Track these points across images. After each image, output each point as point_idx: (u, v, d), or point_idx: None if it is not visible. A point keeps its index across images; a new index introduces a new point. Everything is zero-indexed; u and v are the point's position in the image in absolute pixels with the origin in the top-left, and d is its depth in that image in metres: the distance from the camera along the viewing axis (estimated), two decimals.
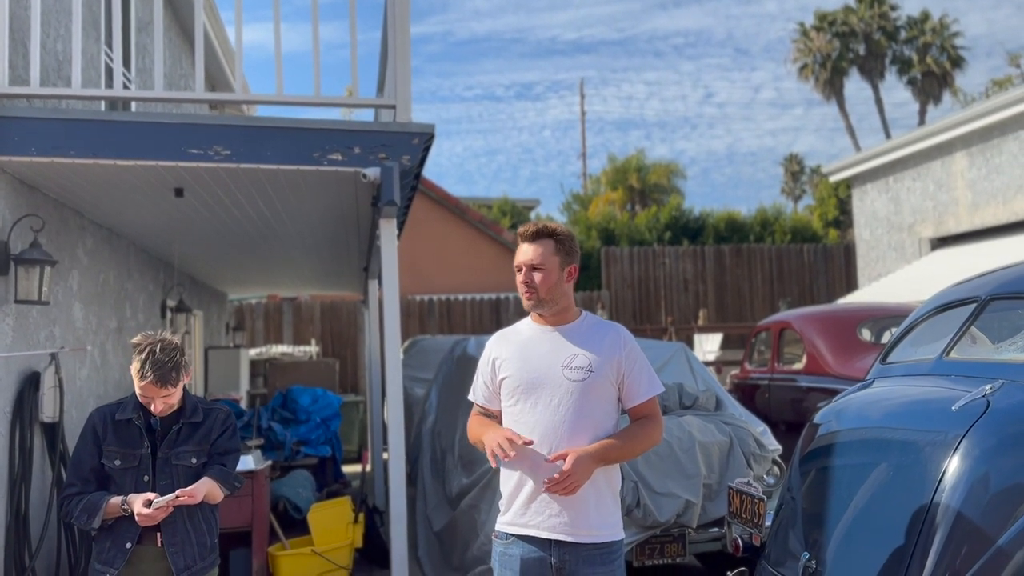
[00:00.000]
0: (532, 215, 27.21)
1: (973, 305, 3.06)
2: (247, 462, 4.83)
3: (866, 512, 2.77)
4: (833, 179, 14.95)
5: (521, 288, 2.69)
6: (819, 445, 3.25)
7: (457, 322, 14.79)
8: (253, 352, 12.98)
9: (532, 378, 2.64)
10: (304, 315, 14.53)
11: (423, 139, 4.69)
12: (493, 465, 2.59)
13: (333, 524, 4.90)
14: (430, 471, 6.00)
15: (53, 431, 4.78)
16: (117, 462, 2.88)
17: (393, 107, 4.74)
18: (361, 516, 5.04)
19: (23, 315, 4.66)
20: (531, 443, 2.57)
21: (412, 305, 14.78)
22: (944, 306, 3.30)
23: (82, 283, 5.73)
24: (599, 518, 2.64)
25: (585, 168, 41.02)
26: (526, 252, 2.69)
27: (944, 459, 2.51)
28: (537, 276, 2.66)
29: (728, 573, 3.30)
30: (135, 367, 2.80)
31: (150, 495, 2.75)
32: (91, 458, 2.90)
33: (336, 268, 9.33)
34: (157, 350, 2.79)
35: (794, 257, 17.04)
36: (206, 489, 2.86)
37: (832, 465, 3.09)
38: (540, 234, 2.71)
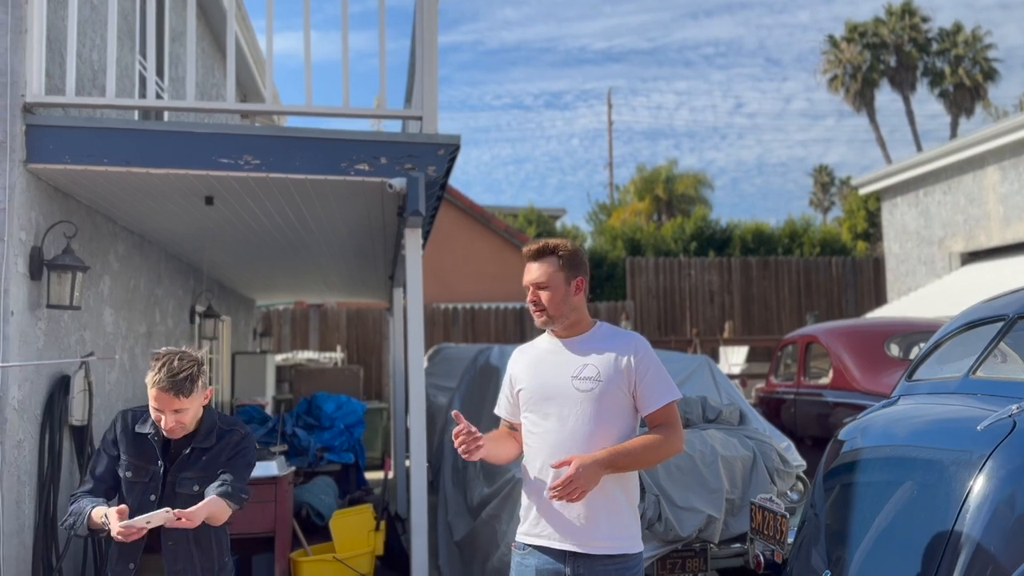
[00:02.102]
0: (558, 224, 27.23)
1: (1001, 323, 3.03)
2: (270, 468, 4.87)
3: (889, 531, 2.74)
4: (863, 191, 14.81)
5: (530, 307, 2.73)
6: (843, 462, 3.22)
7: (481, 331, 14.82)
8: (279, 358, 13.09)
9: (544, 391, 2.68)
10: (330, 322, 14.64)
11: (449, 150, 4.73)
12: (466, 457, 2.63)
13: (355, 531, 4.93)
14: (451, 480, 6.01)
15: (82, 434, 4.86)
16: (128, 474, 2.76)
17: (420, 118, 4.79)
18: (383, 524, 5.07)
19: (55, 319, 4.75)
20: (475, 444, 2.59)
21: (436, 313, 14.83)
22: (972, 323, 3.26)
23: (113, 288, 5.83)
24: (613, 529, 2.61)
25: (612, 178, 40.92)
26: (531, 272, 2.72)
27: (969, 479, 2.48)
28: (543, 295, 2.69)
29: None
30: (150, 376, 2.72)
31: (124, 509, 2.56)
32: (107, 461, 2.80)
33: (362, 276, 9.40)
34: (175, 360, 2.71)
35: (822, 270, 16.88)
36: (207, 512, 2.60)
37: (856, 482, 3.06)
38: (542, 252, 2.72)
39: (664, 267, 16.62)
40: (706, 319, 16.12)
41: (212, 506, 2.62)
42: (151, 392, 2.70)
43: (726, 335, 13.56)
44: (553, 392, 2.65)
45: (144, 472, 2.74)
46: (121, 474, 2.76)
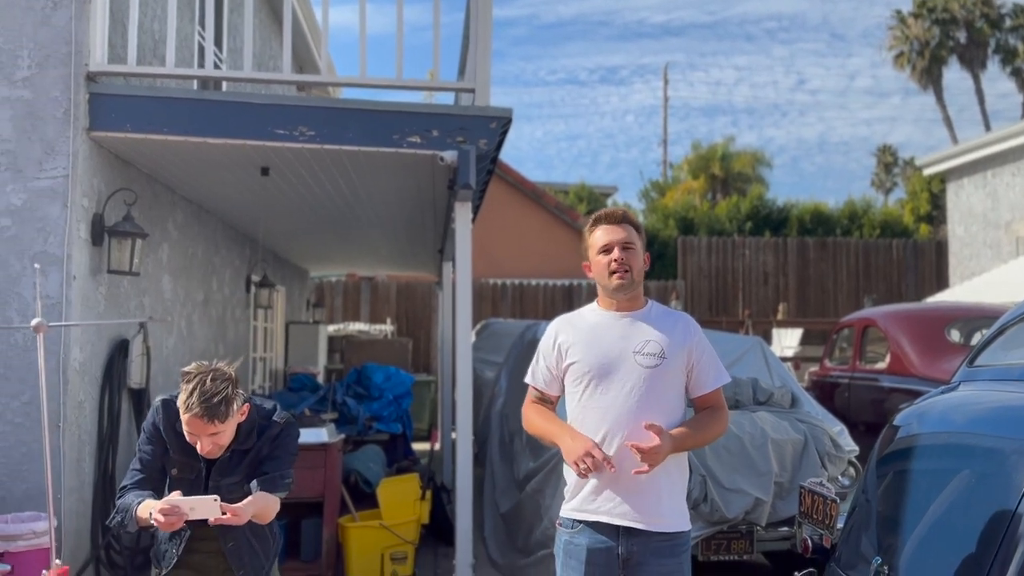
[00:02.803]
0: (609, 202, 26.97)
1: None
2: (321, 435, 4.95)
3: (944, 519, 2.66)
4: (927, 172, 14.37)
5: (611, 267, 2.63)
6: (898, 448, 3.14)
7: (529, 307, 14.83)
8: (331, 328, 13.28)
9: (603, 363, 2.61)
10: (381, 294, 14.79)
11: (500, 123, 4.70)
12: (582, 478, 2.55)
13: (401, 499, 5.00)
14: (498, 453, 6.05)
15: (140, 397, 5.00)
16: (174, 471, 2.64)
17: (472, 91, 4.76)
18: (428, 493, 5.13)
19: (115, 285, 4.88)
20: (612, 467, 2.51)
21: (485, 288, 14.87)
22: None
23: (171, 256, 5.96)
24: (670, 507, 2.62)
25: (666, 155, 40.26)
26: (617, 232, 2.66)
27: None
28: (630, 255, 2.65)
29: (796, 574, 3.22)
30: (182, 397, 2.49)
31: (173, 500, 2.41)
32: (151, 450, 2.65)
33: (412, 249, 9.46)
34: (208, 380, 2.48)
35: (883, 252, 16.45)
36: (254, 510, 2.50)
37: (911, 469, 2.98)
38: (626, 218, 2.72)
39: (717, 247, 16.38)
40: (759, 301, 15.87)
41: (259, 503, 2.53)
42: (183, 417, 2.49)
43: (779, 317, 13.34)
44: (614, 366, 2.60)
45: (189, 469, 2.63)
46: (168, 469, 2.65)
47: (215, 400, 2.44)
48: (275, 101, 4.59)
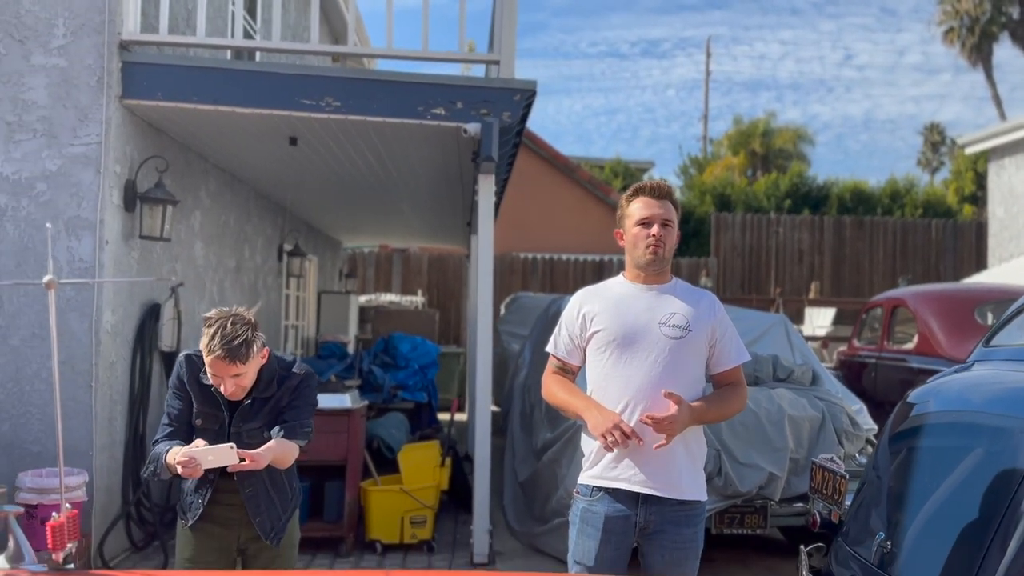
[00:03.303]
0: (644, 177, 26.74)
1: None
2: (344, 400, 5.06)
3: (949, 497, 2.67)
4: (969, 151, 14.05)
5: (648, 241, 2.64)
6: (910, 425, 3.14)
7: (559, 281, 14.84)
8: (363, 299, 13.44)
9: (628, 333, 2.63)
10: (412, 266, 14.91)
11: (525, 96, 4.72)
12: (608, 451, 2.57)
13: (421, 465, 5.10)
14: (519, 424, 6.13)
15: (171, 359, 5.13)
16: (199, 421, 2.71)
17: (497, 62, 4.78)
18: (448, 460, 5.22)
19: (147, 250, 5.01)
20: (640, 441, 2.52)
21: (516, 262, 14.91)
22: None
23: (204, 223, 6.09)
24: (691, 476, 2.66)
25: (706, 131, 39.59)
26: (657, 207, 2.67)
27: None
28: (667, 233, 2.67)
29: (803, 547, 3.25)
30: (204, 341, 2.57)
31: (190, 451, 2.48)
32: (179, 403, 2.74)
33: (441, 222, 9.52)
34: (228, 324, 2.55)
35: (921, 232, 16.15)
36: (272, 455, 2.56)
37: (920, 446, 2.98)
38: (669, 194, 2.72)
39: (751, 224, 16.20)
40: (793, 279, 15.70)
41: (277, 449, 2.59)
42: (207, 359, 2.57)
43: (811, 296, 13.20)
44: (639, 336, 2.62)
45: (213, 419, 2.71)
46: (193, 421, 2.73)
47: (236, 342, 2.51)
48: (302, 71, 4.66)
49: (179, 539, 2.78)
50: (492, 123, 4.56)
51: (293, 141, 5.30)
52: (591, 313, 2.71)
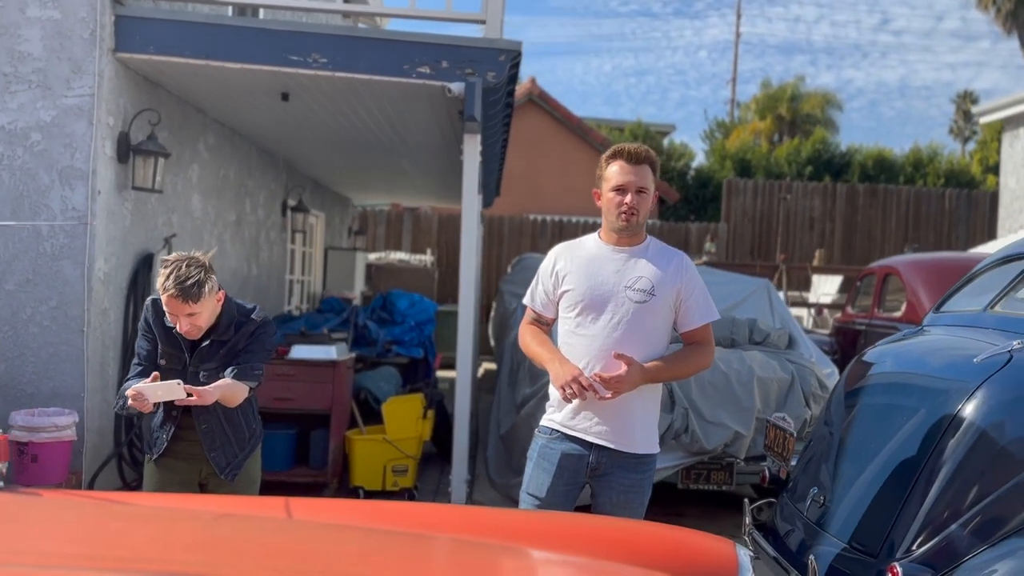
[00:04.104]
0: (665, 141, 26.56)
1: None
2: (330, 352, 5.22)
3: (880, 453, 2.78)
4: (984, 120, 13.84)
5: (621, 208, 2.71)
6: (855, 385, 3.24)
7: None
8: (373, 256, 13.59)
9: (596, 294, 2.75)
10: (423, 225, 15.01)
11: (510, 56, 4.76)
12: (566, 402, 2.71)
13: (404, 417, 5.26)
14: (507, 379, 6.27)
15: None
16: (163, 361, 2.89)
17: (483, 22, 4.82)
18: (431, 412, 5.39)
19: (142, 201, 5.15)
20: (597, 395, 2.65)
21: (526, 224, 14.97)
22: (1009, 257, 3.17)
23: (202, 176, 6.21)
24: (644, 432, 2.81)
25: (734, 94, 38.91)
26: (635, 174, 2.73)
27: (957, 407, 2.49)
28: (641, 200, 2.74)
29: (746, 501, 3.36)
30: (160, 281, 2.77)
31: (139, 387, 2.67)
32: (147, 344, 2.92)
33: (444, 181, 9.59)
34: (183, 266, 2.74)
35: (934, 201, 16.00)
36: (220, 393, 2.73)
37: (862, 405, 3.08)
38: (647, 158, 2.77)
39: (764, 190, 16.11)
40: (803, 246, 15.64)
41: (225, 388, 2.74)
42: (163, 297, 2.77)
43: (815, 263, 13.18)
44: (605, 298, 2.73)
45: (175, 359, 2.88)
46: (158, 360, 2.91)
47: (188, 282, 2.69)
48: (290, 27, 4.73)
49: (145, 473, 2.96)
50: (475, 83, 4.62)
51: (285, 97, 5.39)
52: (563, 271, 2.83)
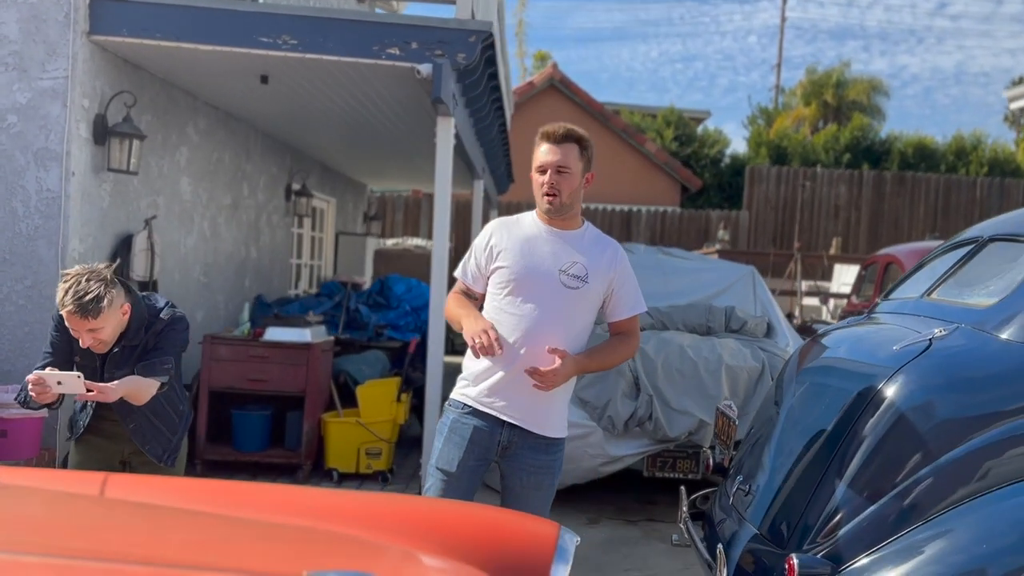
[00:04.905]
0: (700, 129, 26.20)
1: (972, 245, 2.82)
2: (304, 335, 5.25)
3: (798, 438, 2.72)
4: (1013, 106, 13.40)
5: (544, 189, 2.68)
6: (795, 370, 3.15)
7: None
8: (390, 242, 13.64)
9: (528, 275, 2.69)
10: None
11: (480, 37, 4.71)
12: (476, 357, 2.65)
13: (378, 400, 5.27)
14: None
15: (143, 289, 5.37)
16: (77, 358, 2.82)
17: (453, 2, 4.78)
18: (405, 396, 5.39)
19: (122, 183, 5.21)
20: (501, 349, 2.60)
21: None
22: (956, 244, 3.05)
23: (192, 159, 6.27)
24: (559, 417, 2.78)
25: (778, 80, 37.90)
26: (553, 153, 2.68)
27: (871, 396, 2.42)
28: (563, 180, 2.68)
29: (682, 489, 3.29)
30: (58, 296, 2.63)
31: (40, 373, 2.59)
32: (57, 336, 2.83)
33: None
34: (82, 280, 2.61)
35: (965, 190, 15.58)
36: (124, 391, 2.63)
37: (793, 389, 3.01)
38: (568, 137, 2.71)
39: (787, 177, 15.82)
40: (827, 235, 15.34)
41: (129, 385, 2.65)
42: (62, 313, 2.65)
43: (832, 252, 12.90)
44: (538, 279, 2.69)
45: (91, 358, 2.80)
46: (72, 356, 2.82)
47: (86, 298, 2.58)
48: (259, 9, 4.73)
49: (70, 453, 2.98)
50: (442, 64, 4.58)
51: (264, 80, 5.40)
52: (498, 247, 2.76)
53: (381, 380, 5.49)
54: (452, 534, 1.46)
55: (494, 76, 5.71)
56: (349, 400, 5.65)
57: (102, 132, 4.88)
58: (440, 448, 2.77)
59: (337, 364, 5.78)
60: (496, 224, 2.85)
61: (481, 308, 2.79)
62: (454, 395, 2.82)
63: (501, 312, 2.73)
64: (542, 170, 2.70)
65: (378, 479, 5.27)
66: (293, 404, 5.34)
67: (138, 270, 5.28)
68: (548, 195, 2.68)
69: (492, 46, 4.91)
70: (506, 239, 2.76)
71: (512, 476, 2.76)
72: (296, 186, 8.91)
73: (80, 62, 4.67)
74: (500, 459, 2.77)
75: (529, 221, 2.81)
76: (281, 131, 7.80)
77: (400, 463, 5.67)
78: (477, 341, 2.57)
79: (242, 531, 1.32)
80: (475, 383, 2.75)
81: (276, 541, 1.31)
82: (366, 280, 11.24)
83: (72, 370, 2.79)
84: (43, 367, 2.78)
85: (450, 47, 4.69)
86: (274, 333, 5.24)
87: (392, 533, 1.40)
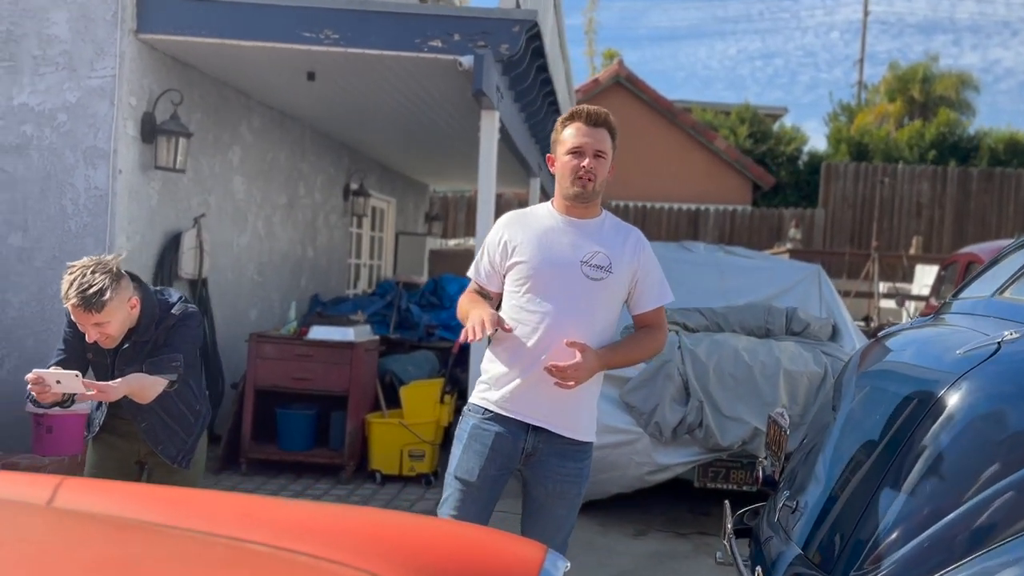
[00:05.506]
0: (776, 126, 25.43)
1: None
2: (347, 334, 5.17)
3: (851, 449, 2.46)
4: None
5: (576, 172, 2.50)
6: (853, 375, 2.89)
7: (652, 230, 14.46)
8: (452, 242, 13.61)
9: (548, 268, 2.53)
10: (502, 210, 14.84)
11: (524, 27, 4.56)
12: (467, 340, 2.45)
13: (422, 401, 5.15)
14: None
15: (193, 287, 5.39)
16: (90, 355, 2.76)
17: None
18: (449, 398, 5.26)
19: (171, 181, 5.22)
20: (510, 330, 2.48)
21: (608, 210, 14.65)
22: None
23: (245, 158, 6.28)
24: (585, 419, 2.60)
25: (861, 76, 36.55)
26: (591, 135, 2.53)
27: (931, 404, 2.15)
28: (599, 165, 2.53)
29: (727, 503, 3.06)
30: (62, 289, 2.54)
31: (39, 372, 2.49)
32: (70, 334, 2.76)
33: (508, 166, 9.42)
34: (87, 273, 2.52)
35: None
36: (127, 389, 2.54)
37: (850, 397, 2.75)
38: (605, 122, 2.56)
39: (865, 173, 15.17)
40: (908, 234, 14.64)
41: (132, 383, 2.56)
42: (67, 306, 2.57)
43: (912, 251, 12.27)
44: (559, 272, 2.52)
45: (103, 355, 2.73)
46: (85, 353, 2.75)
47: (90, 291, 2.49)
48: (301, 3, 4.67)
49: (87, 452, 2.93)
50: (484, 55, 4.43)
51: (311, 76, 5.35)
52: (513, 242, 2.59)
53: (426, 381, 5.37)
54: (424, 555, 1.31)
55: (543, 68, 5.54)
56: (396, 401, 5.56)
57: (150, 130, 4.89)
58: (459, 456, 2.59)
59: (383, 364, 5.69)
60: (508, 218, 2.67)
61: (497, 308, 2.62)
62: (473, 399, 2.64)
63: (521, 311, 2.55)
64: (578, 152, 2.52)
65: (421, 482, 5.15)
66: (338, 404, 5.27)
67: (186, 268, 5.29)
68: (583, 179, 2.49)
69: (538, 36, 4.74)
70: (521, 233, 2.59)
71: (536, 485, 2.58)
72: (354, 186, 8.90)
73: (128, 60, 4.69)
74: (524, 467, 2.59)
75: (544, 212, 2.63)
76: (335, 130, 7.78)
77: (444, 466, 5.54)
78: (474, 324, 2.39)
79: (166, 546, 1.18)
80: (496, 386, 2.57)
81: (195, 561, 1.17)
82: (424, 280, 11.21)
83: (86, 367, 2.77)
84: (56, 364, 2.72)
85: (493, 38, 4.54)
86: (318, 332, 5.18)
87: (356, 553, 1.25)
